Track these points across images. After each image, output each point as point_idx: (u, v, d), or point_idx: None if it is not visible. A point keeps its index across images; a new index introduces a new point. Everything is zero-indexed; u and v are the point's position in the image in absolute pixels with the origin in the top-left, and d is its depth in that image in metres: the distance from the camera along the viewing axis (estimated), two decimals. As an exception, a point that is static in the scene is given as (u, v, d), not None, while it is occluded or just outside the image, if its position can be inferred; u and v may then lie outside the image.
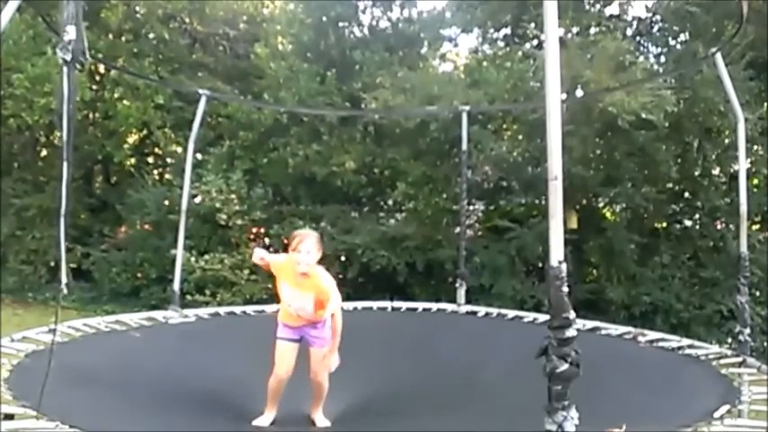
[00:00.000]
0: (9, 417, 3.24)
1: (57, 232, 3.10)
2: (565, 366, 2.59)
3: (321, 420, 3.97)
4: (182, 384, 4.28)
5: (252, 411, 3.90)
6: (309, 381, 3.94)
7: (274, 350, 3.98)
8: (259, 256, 4.22)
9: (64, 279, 3.23)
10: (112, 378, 4.26)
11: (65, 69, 3.03)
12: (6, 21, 3.50)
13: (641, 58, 9.75)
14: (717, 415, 3.52)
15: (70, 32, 2.99)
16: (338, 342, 4.07)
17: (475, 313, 6.95)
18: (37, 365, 3.87)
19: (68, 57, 3.01)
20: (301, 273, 3.90)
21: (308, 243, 3.93)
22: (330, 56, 11.25)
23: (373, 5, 11.67)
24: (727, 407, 3.66)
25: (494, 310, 7.22)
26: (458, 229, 7.89)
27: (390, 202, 11.73)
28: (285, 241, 3.89)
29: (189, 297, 9.54)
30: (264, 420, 3.91)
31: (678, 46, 10.35)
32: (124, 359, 5.00)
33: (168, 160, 12.93)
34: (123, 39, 12.40)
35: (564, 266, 2.63)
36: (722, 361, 4.87)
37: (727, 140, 9.45)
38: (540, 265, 9.65)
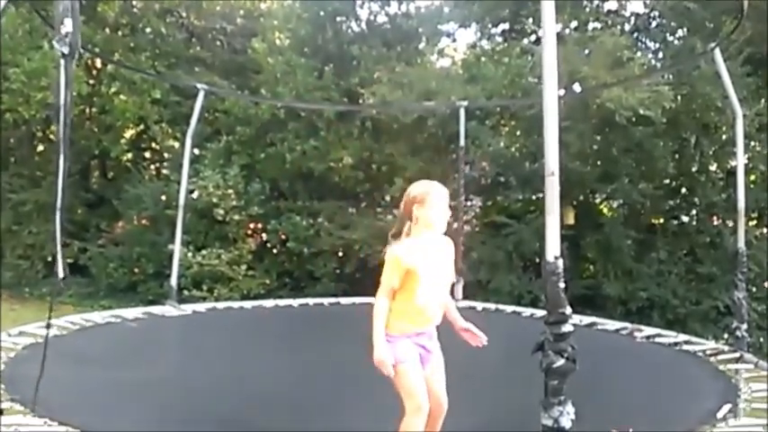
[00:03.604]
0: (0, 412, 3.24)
1: (53, 225, 3.10)
2: (561, 361, 2.60)
3: None
4: (177, 378, 4.27)
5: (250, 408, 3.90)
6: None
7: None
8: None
9: (61, 273, 3.22)
10: (108, 370, 4.27)
11: (62, 62, 3.02)
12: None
13: (639, 54, 9.74)
14: (719, 415, 3.53)
15: (67, 25, 2.98)
16: None
17: (473, 308, 6.96)
18: (32, 359, 3.88)
19: (66, 49, 3.00)
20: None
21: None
22: (327, 51, 11.22)
23: (371, 0, 11.64)
24: (728, 406, 3.67)
25: (492, 306, 7.24)
26: (455, 225, 7.89)
27: (388, 198, 11.71)
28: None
29: (186, 292, 9.54)
30: None
31: (676, 42, 10.35)
32: (120, 351, 5.02)
33: (165, 155, 12.91)
34: (120, 33, 12.36)
35: (560, 262, 2.64)
36: (719, 357, 4.89)
37: (724, 136, 9.46)
38: (538, 260, 9.65)
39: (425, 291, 3.07)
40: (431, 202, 3.15)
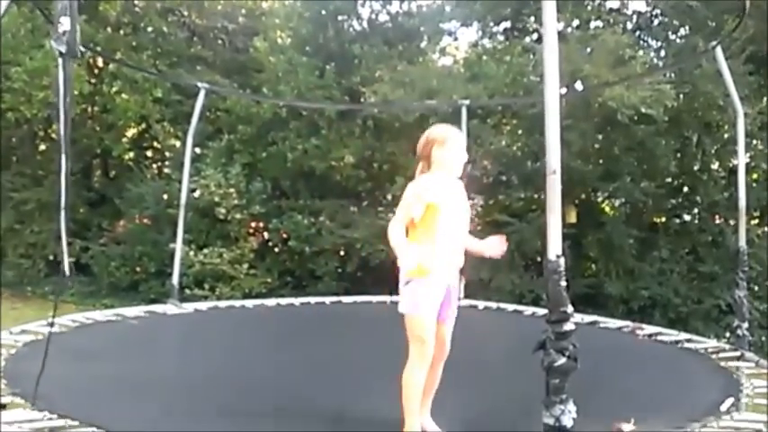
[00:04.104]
0: (2, 406, 3.26)
1: (57, 224, 3.11)
2: (562, 360, 2.60)
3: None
4: (176, 373, 4.28)
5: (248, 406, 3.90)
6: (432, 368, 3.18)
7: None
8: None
9: (67, 271, 3.23)
10: (108, 367, 4.28)
11: (60, 61, 3.02)
12: (2, 13, 3.49)
13: (641, 53, 9.73)
14: (723, 408, 3.54)
15: (65, 24, 2.98)
16: None
17: (475, 307, 6.96)
18: (33, 355, 3.90)
19: (63, 48, 3.01)
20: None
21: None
22: (329, 49, 11.22)
23: (372, -1, 11.65)
24: (731, 400, 3.68)
25: (493, 304, 7.24)
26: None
27: (389, 197, 11.71)
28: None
29: (188, 291, 9.54)
30: None
31: (678, 40, 10.33)
32: (120, 349, 5.03)
33: (167, 154, 12.91)
34: (122, 32, 12.36)
35: (562, 261, 2.63)
36: (720, 355, 4.88)
37: (726, 135, 9.45)
38: (539, 259, 9.65)
39: (447, 228, 3.10)
40: (450, 145, 3.21)
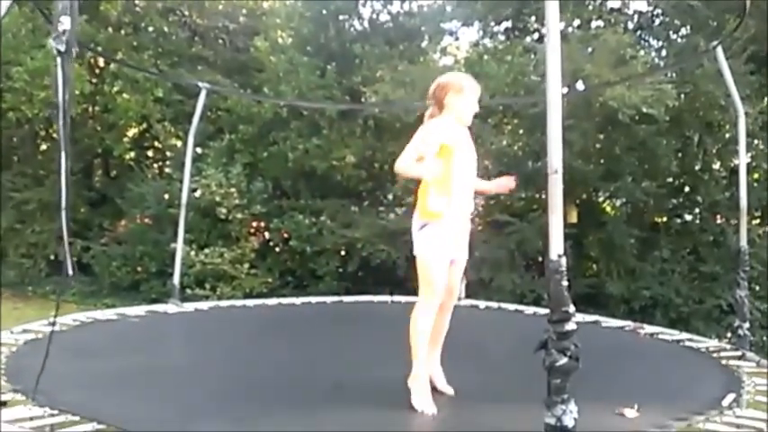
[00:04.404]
0: (3, 404, 3.27)
1: (58, 221, 3.11)
2: (564, 360, 2.60)
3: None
4: (177, 372, 4.29)
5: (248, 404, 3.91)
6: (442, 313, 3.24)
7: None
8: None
9: (70, 271, 3.24)
10: (109, 364, 4.30)
11: (59, 60, 3.03)
12: (4, 12, 3.49)
13: (642, 52, 9.71)
14: (724, 403, 3.55)
15: (64, 23, 2.98)
16: None
17: (476, 307, 6.96)
18: (33, 353, 3.91)
19: (62, 47, 3.01)
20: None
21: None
22: (330, 49, 11.22)
23: (373, -1, 11.64)
24: (732, 395, 3.68)
25: (494, 304, 7.24)
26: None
27: (390, 197, 11.72)
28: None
29: (189, 291, 9.55)
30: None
31: (679, 40, 10.32)
32: (122, 346, 5.04)
33: (168, 154, 12.91)
34: (122, 32, 12.36)
35: (564, 260, 2.63)
36: (722, 354, 4.89)
37: (727, 135, 9.44)
38: (540, 259, 9.65)
39: (460, 171, 3.12)
40: (466, 93, 3.29)
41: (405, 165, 3.14)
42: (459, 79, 3.33)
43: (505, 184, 3.50)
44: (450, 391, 3.35)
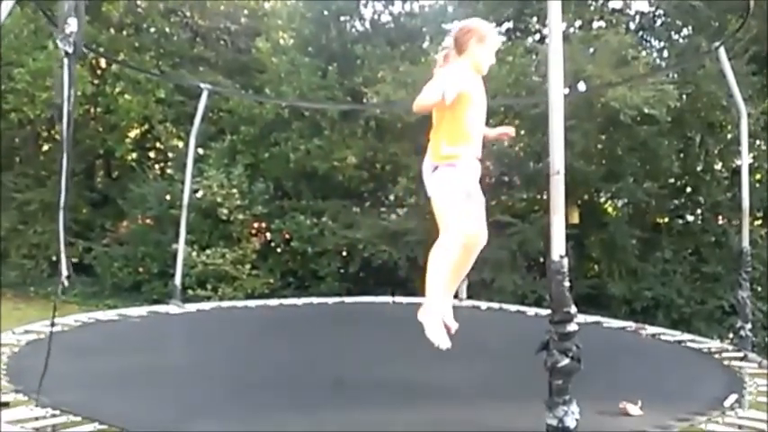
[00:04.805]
0: (4, 404, 3.27)
1: (56, 223, 3.11)
2: (566, 361, 2.60)
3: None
4: (178, 372, 4.29)
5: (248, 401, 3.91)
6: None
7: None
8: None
9: (65, 272, 3.24)
10: (111, 364, 4.30)
11: (66, 61, 3.02)
12: (5, 14, 3.49)
13: (644, 53, 9.72)
14: (726, 404, 3.55)
15: (71, 24, 2.98)
16: None
17: (477, 307, 6.96)
18: (34, 354, 3.92)
19: (70, 49, 3.01)
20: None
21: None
22: (331, 50, 11.22)
23: (375, -1, 11.65)
24: (734, 396, 3.68)
25: (496, 305, 7.23)
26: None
27: (392, 197, 11.72)
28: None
29: (190, 291, 9.56)
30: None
31: (681, 40, 10.32)
32: (124, 347, 5.05)
33: (170, 155, 12.91)
34: (124, 33, 12.38)
35: (565, 261, 2.63)
36: (723, 355, 4.88)
37: (729, 135, 9.43)
38: (542, 259, 9.64)
39: (474, 116, 3.15)
40: (488, 42, 3.31)
41: (425, 99, 3.12)
42: (484, 27, 3.33)
43: (506, 131, 3.66)
44: (454, 326, 3.31)
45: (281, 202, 11.11)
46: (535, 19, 10.02)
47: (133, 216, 11.70)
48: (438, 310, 3.11)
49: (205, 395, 3.78)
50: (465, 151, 3.21)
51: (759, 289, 8.61)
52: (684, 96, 9.00)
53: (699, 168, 9.92)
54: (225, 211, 10.43)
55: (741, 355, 4.77)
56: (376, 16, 11.75)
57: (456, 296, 7.25)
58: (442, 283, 3.15)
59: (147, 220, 11.56)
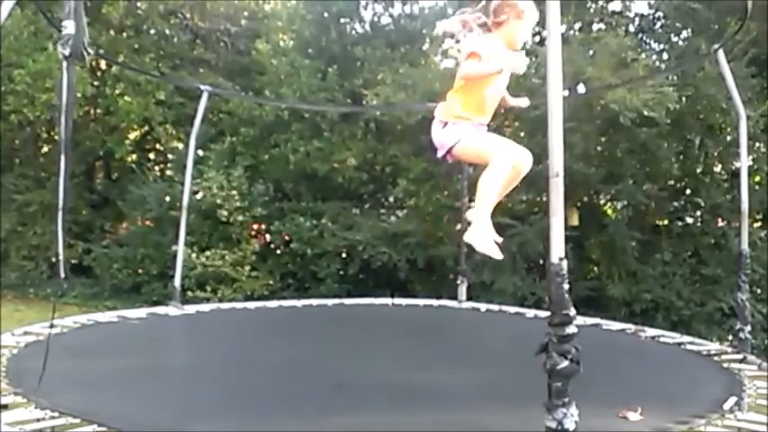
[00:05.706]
0: (4, 406, 3.27)
1: (55, 224, 3.11)
2: (565, 363, 2.60)
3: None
4: (178, 373, 4.29)
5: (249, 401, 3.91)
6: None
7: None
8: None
9: (62, 274, 3.24)
10: (110, 366, 4.30)
11: (64, 64, 3.03)
12: (5, 15, 3.49)
13: (643, 55, 9.71)
14: (726, 407, 3.55)
15: (69, 27, 2.98)
16: None
17: (477, 309, 6.96)
18: (33, 355, 3.92)
19: (67, 52, 3.01)
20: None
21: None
22: (331, 52, 11.23)
23: (375, 1, 11.64)
24: (734, 398, 3.68)
25: (495, 307, 7.24)
26: (459, 226, 7.89)
27: (391, 199, 11.73)
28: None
29: (190, 293, 9.56)
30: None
31: (680, 42, 10.32)
32: (123, 348, 5.05)
33: (169, 156, 12.91)
34: (124, 34, 12.38)
35: (565, 263, 2.63)
36: (723, 357, 4.88)
37: (728, 137, 9.42)
38: (541, 261, 9.64)
39: (494, 92, 3.36)
40: (526, 18, 3.33)
41: (475, 67, 3.22)
42: (526, 5, 3.34)
43: (520, 102, 3.73)
44: (498, 239, 3.40)
45: (280, 203, 11.11)
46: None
47: (133, 217, 11.71)
48: (489, 228, 3.20)
49: (204, 397, 3.78)
50: (476, 119, 3.34)
51: (758, 291, 8.62)
52: (684, 98, 8.99)
53: (698, 170, 9.92)
54: (224, 212, 10.43)
55: (740, 357, 4.77)
56: (376, 18, 11.76)
57: (455, 298, 7.33)
58: (491, 203, 3.23)
59: (147, 222, 11.56)
